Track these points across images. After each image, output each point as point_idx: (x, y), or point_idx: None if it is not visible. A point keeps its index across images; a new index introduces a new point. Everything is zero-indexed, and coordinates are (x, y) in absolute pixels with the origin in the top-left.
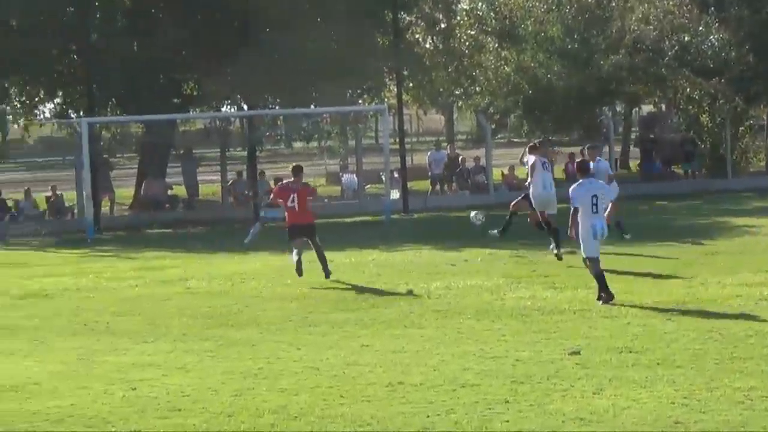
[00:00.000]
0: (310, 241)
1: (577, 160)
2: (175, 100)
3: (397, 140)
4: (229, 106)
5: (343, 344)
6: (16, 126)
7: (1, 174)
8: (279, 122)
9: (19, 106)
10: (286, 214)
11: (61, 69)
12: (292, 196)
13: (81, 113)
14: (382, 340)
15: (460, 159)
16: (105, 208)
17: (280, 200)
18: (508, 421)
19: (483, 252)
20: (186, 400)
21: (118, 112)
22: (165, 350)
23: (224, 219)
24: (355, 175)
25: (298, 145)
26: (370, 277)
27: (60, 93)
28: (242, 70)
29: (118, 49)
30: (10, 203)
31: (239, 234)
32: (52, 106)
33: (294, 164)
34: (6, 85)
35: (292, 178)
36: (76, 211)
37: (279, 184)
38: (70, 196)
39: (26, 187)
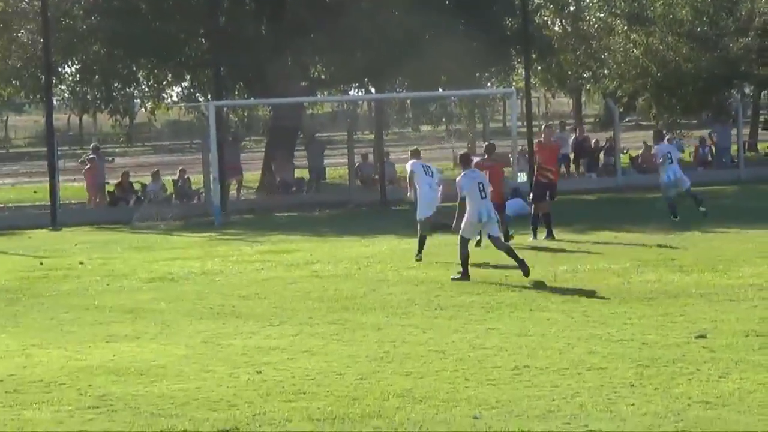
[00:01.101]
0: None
1: (460, 153)
2: (303, 83)
3: (525, 123)
4: (356, 89)
5: (469, 327)
6: (143, 110)
7: (129, 158)
8: (407, 105)
9: (146, 89)
10: None
11: (189, 52)
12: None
13: (208, 97)
14: (507, 324)
15: (593, 142)
16: (232, 191)
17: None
18: (633, 405)
19: (609, 235)
20: (311, 383)
21: (245, 96)
22: (290, 334)
23: (351, 202)
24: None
25: (425, 128)
26: (498, 260)
27: (187, 77)
28: (370, 53)
29: (246, 32)
30: (137, 186)
31: (365, 217)
32: (180, 89)
33: (487, 143)
34: (134, 68)
35: (485, 156)
36: (202, 194)
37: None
38: (197, 180)
39: (155, 170)
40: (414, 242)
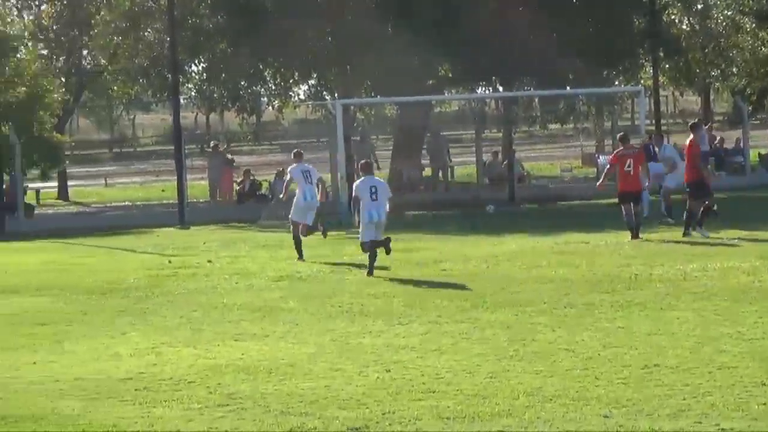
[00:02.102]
0: (633, 206)
1: (362, 162)
2: (430, 81)
3: (653, 121)
4: (484, 87)
5: (599, 326)
6: (270, 108)
7: (256, 156)
8: (534, 103)
9: (273, 88)
10: (618, 181)
11: (316, 50)
12: (629, 161)
13: (335, 95)
14: (637, 322)
15: (717, 140)
16: None
17: (611, 168)
18: (765, 404)
19: (740, 233)
20: (440, 382)
21: (372, 94)
22: (420, 332)
23: (479, 200)
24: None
25: (553, 126)
26: (626, 258)
27: (314, 75)
28: (497, 51)
29: (373, 30)
30: (264, 185)
31: (493, 215)
32: (307, 87)
33: (621, 133)
34: (261, 66)
35: (621, 147)
36: (330, 193)
37: (616, 152)
38: (324, 179)
39: (281, 168)
40: (543, 240)
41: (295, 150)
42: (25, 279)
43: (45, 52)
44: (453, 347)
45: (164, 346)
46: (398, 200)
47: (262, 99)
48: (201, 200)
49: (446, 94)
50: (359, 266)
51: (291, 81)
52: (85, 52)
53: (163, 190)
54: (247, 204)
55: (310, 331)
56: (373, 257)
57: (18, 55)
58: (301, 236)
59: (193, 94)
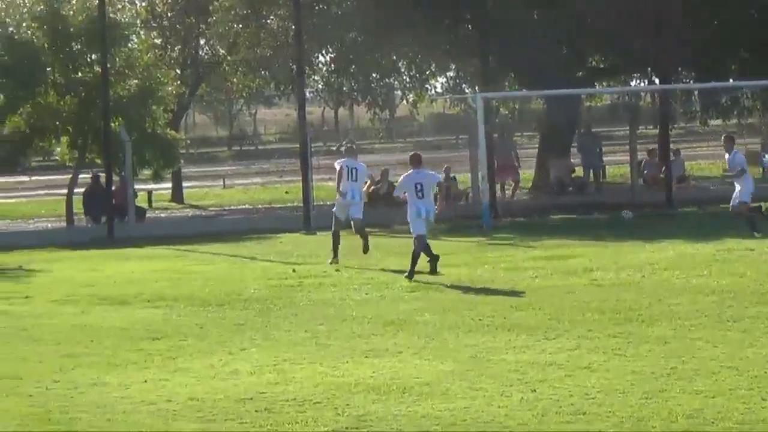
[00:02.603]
0: None
1: (410, 153)
2: (579, 73)
3: None
4: (638, 80)
5: (765, 342)
6: (404, 102)
7: (389, 154)
8: (693, 97)
9: (408, 80)
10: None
11: (455, 40)
12: None
13: (476, 88)
14: None
15: None
16: (506, 191)
17: None
18: None
19: None
20: (591, 402)
21: (516, 87)
22: (568, 348)
23: (634, 203)
24: None
25: (714, 122)
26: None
27: (453, 66)
28: (654, 41)
29: (517, 17)
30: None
31: (651, 220)
32: (444, 80)
33: None
34: (394, 57)
35: None
36: (470, 195)
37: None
38: (463, 179)
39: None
40: (703, 247)
41: (347, 145)
42: (135, 289)
43: (159, 41)
44: (604, 365)
45: (287, 363)
46: (545, 203)
47: (395, 92)
48: (328, 203)
49: (597, 87)
50: (502, 275)
51: (427, 72)
52: (202, 41)
53: (286, 192)
54: (379, 207)
55: (447, 347)
56: (416, 260)
57: (129, 45)
58: (346, 233)
59: (320, 86)
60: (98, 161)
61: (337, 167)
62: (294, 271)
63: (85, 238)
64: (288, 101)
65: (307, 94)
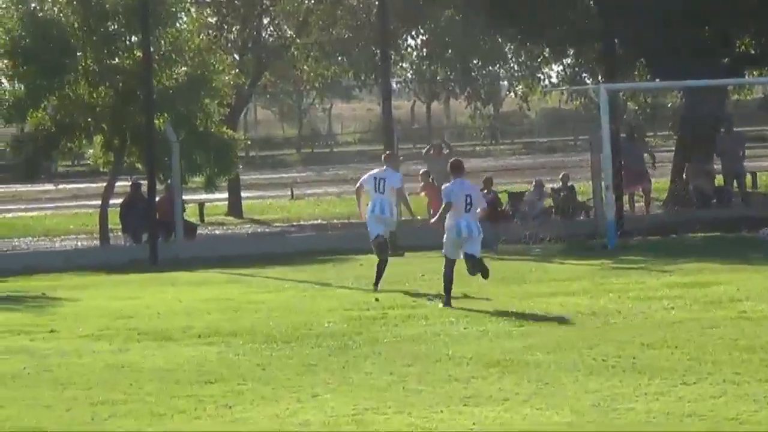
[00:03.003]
0: None
1: (452, 160)
2: (725, 60)
3: None
4: None
5: None
6: (512, 95)
7: (493, 159)
8: None
9: (516, 68)
10: None
11: (573, 20)
12: None
13: (599, 78)
14: None
15: None
16: (638, 202)
17: None
18: None
19: None
20: None
21: (647, 77)
22: (711, 395)
23: None
24: None
25: None
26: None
27: (570, 51)
28: None
29: None
30: (502, 198)
31: None
32: (561, 68)
33: None
34: (499, 40)
35: None
36: (592, 208)
37: None
38: (583, 189)
39: (537, 179)
40: None
41: (386, 152)
42: (183, 321)
43: (213, 20)
44: (755, 415)
45: (369, 413)
46: (683, 217)
47: (501, 83)
48: (418, 217)
49: (746, 77)
50: (630, 306)
51: (540, 59)
52: (265, 20)
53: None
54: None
55: (564, 393)
56: (449, 283)
57: (177, 25)
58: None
59: (409, 75)
60: (139, 166)
61: (361, 182)
62: (377, 300)
63: (122, 259)
64: (370, 93)
65: (394, 85)
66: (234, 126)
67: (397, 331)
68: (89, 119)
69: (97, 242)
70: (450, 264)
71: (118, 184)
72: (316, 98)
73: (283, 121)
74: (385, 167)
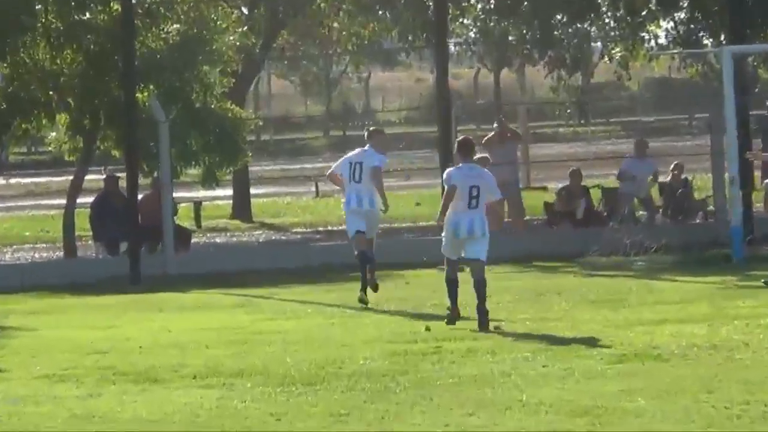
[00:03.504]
0: None
1: (459, 138)
2: None
3: None
4: None
5: None
6: (606, 61)
7: (580, 143)
8: None
9: (613, 25)
10: None
11: None
12: None
13: (721, 38)
14: None
15: None
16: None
17: None
18: None
19: None
20: None
21: None
22: None
23: None
24: None
25: None
26: None
27: (684, 2)
28: None
29: None
30: (595, 194)
31: None
32: (670, 25)
33: None
34: None
35: None
36: (710, 207)
37: None
38: (701, 183)
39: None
40: None
41: (370, 128)
42: (174, 358)
43: None
44: None
45: None
46: None
47: (593, 45)
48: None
49: None
50: (762, 336)
51: (643, 14)
52: None
53: (417, 204)
54: (563, 229)
55: None
56: (454, 290)
57: None
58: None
59: (471, 35)
60: (115, 154)
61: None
62: (428, 329)
63: (93, 276)
64: (420, 59)
65: (452, 48)
66: (241, 101)
67: (454, 370)
68: (51, 92)
69: (60, 253)
70: (450, 264)
71: (88, 177)
72: (349, 65)
73: (306, 95)
74: (367, 147)
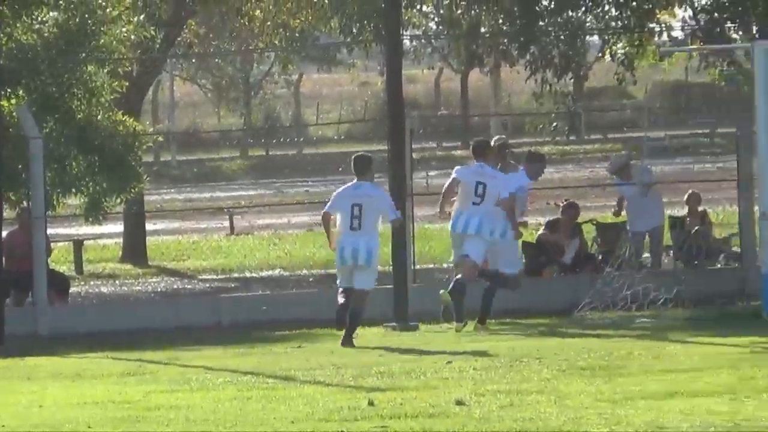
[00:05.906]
0: None
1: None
2: None
3: None
4: None
5: None
6: (606, 59)
7: (572, 167)
8: None
9: (613, 13)
10: None
11: None
12: None
13: (754, 31)
14: None
15: None
16: None
17: None
18: None
19: None
20: None
21: None
22: None
23: None
24: None
25: None
26: None
27: None
28: None
29: None
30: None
31: None
32: (688, 14)
33: None
34: None
35: None
36: (735, 248)
37: None
38: (725, 217)
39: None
40: None
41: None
42: None
43: None
44: None
45: None
46: None
47: (588, 39)
48: (444, 265)
49: None
50: None
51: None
52: None
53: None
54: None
55: None
56: (459, 299)
57: None
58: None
59: (432, 26)
60: None
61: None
62: (371, 404)
63: None
64: (366, 57)
65: (407, 43)
66: (137, 111)
67: None
68: None
69: None
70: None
71: None
72: (274, 64)
73: (219, 104)
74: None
